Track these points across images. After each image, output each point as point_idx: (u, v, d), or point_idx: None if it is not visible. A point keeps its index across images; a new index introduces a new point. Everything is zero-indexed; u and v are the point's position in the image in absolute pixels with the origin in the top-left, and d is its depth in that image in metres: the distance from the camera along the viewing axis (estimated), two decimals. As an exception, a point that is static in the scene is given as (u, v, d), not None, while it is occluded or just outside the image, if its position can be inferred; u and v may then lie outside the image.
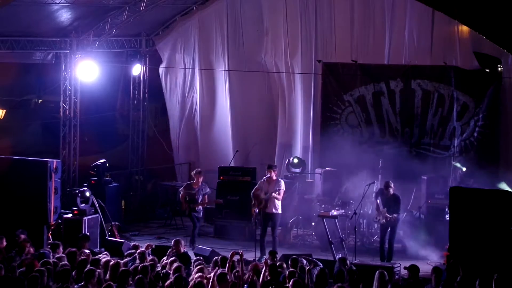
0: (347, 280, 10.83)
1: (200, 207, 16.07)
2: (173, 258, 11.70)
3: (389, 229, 14.82)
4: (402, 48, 17.95)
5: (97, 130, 20.96)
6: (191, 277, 10.65)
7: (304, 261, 11.83)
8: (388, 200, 14.78)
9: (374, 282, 10.47)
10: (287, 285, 10.23)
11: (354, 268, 11.55)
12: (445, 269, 11.92)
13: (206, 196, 16.14)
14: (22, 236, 13.14)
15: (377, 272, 10.61)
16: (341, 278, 11.00)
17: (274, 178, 15.23)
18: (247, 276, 10.84)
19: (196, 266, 11.05)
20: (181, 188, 16.46)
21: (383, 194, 14.91)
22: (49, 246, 12.98)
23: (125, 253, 12.93)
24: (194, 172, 16.41)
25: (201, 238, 17.10)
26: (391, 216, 14.58)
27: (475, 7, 11.30)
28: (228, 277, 10.20)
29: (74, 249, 12.05)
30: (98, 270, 10.59)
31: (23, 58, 18.64)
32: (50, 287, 10.20)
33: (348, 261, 12.15)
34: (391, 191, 14.78)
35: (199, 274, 10.55)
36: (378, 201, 14.86)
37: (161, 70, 20.39)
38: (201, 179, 16.12)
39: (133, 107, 20.79)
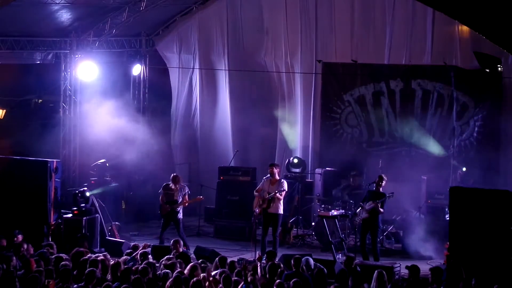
0: (350, 281, 10.80)
1: (180, 208, 15.36)
2: (171, 256, 11.69)
3: (369, 231, 14.58)
4: (402, 48, 17.96)
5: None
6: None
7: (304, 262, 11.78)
8: (375, 195, 14.50)
9: (373, 282, 10.44)
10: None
11: (359, 269, 11.46)
12: (445, 269, 11.92)
13: (187, 196, 15.49)
14: (20, 237, 13.13)
15: (376, 271, 10.58)
16: (343, 278, 10.96)
17: (277, 177, 14.99)
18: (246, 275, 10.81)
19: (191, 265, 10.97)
20: (160, 190, 15.71)
21: (370, 192, 14.69)
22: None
23: (124, 253, 12.85)
24: (172, 177, 15.56)
25: (201, 238, 17.11)
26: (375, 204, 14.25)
27: (475, 7, 11.29)
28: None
29: (82, 249, 12.01)
30: (97, 270, 10.59)
31: (23, 58, 18.64)
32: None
33: (353, 262, 12.03)
34: (380, 189, 14.56)
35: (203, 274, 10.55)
36: (367, 205, 14.52)
37: (161, 70, 20.40)
38: (178, 185, 15.42)
39: (133, 107, 20.76)
